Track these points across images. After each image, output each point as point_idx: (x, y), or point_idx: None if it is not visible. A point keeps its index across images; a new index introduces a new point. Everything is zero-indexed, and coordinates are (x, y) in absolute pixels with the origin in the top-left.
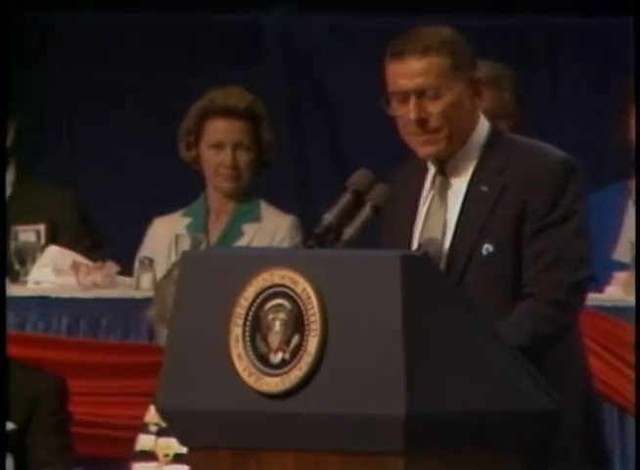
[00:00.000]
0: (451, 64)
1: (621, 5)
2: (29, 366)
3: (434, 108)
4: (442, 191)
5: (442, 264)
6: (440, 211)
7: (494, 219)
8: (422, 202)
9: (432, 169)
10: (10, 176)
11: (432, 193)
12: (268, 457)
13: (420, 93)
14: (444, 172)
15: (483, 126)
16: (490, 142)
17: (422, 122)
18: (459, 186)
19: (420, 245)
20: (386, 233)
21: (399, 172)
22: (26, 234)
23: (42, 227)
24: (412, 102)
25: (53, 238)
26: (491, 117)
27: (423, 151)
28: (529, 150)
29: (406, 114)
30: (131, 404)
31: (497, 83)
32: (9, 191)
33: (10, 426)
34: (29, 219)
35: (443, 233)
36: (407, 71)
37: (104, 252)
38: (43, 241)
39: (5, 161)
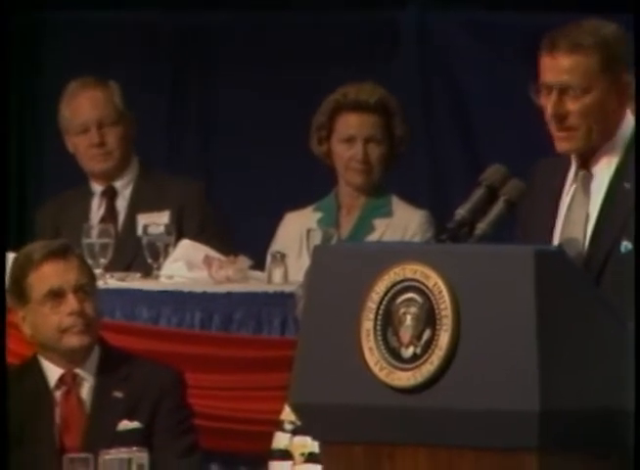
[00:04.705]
0: (600, 64)
1: None
2: (151, 362)
3: (575, 106)
4: (586, 185)
5: (583, 260)
6: (583, 206)
7: (634, 218)
8: (564, 194)
9: (575, 162)
10: (134, 169)
11: (574, 186)
12: (401, 452)
13: (563, 90)
14: (588, 166)
15: (629, 122)
16: (635, 137)
17: (560, 119)
18: (602, 181)
19: (562, 240)
20: (526, 225)
21: (542, 164)
22: (157, 228)
23: (167, 215)
24: (553, 97)
25: (179, 226)
26: None
27: (560, 146)
28: None
29: (548, 107)
30: (264, 399)
31: None
32: (133, 183)
33: (136, 425)
34: (155, 208)
35: (585, 228)
36: (554, 67)
37: (228, 240)
38: (173, 233)
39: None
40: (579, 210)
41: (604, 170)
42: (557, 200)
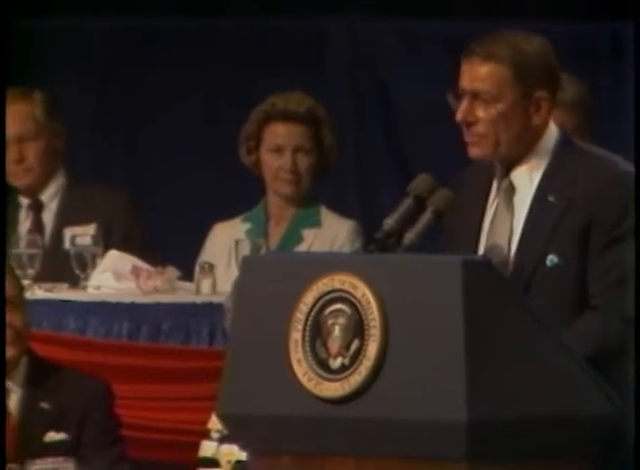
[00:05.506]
0: (513, 75)
1: None
2: (79, 373)
3: (483, 113)
4: (508, 198)
5: (507, 273)
6: (507, 219)
7: (560, 231)
8: (488, 207)
9: (498, 175)
10: (61, 180)
11: (497, 199)
12: (329, 462)
13: (474, 96)
14: (510, 179)
15: (552, 135)
16: (559, 151)
17: (468, 125)
18: (525, 194)
19: (485, 252)
20: (450, 238)
21: (466, 176)
22: (84, 238)
23: (94, 227)
24: (464, 103)
25: (106, 238)
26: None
27: (470, 151)
28: (599, 161)
29: (458, 112)
30: (193, 409)
31: (583, 104)
32: (59, 195)
33: (63, 436)
34: (82, 220)
35: (509, 242)
36: (469, 73)
37: (154, 251)
38: (100, 244)
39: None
40: (502, 224)
41: (527, 184)
42: (482, 210)
